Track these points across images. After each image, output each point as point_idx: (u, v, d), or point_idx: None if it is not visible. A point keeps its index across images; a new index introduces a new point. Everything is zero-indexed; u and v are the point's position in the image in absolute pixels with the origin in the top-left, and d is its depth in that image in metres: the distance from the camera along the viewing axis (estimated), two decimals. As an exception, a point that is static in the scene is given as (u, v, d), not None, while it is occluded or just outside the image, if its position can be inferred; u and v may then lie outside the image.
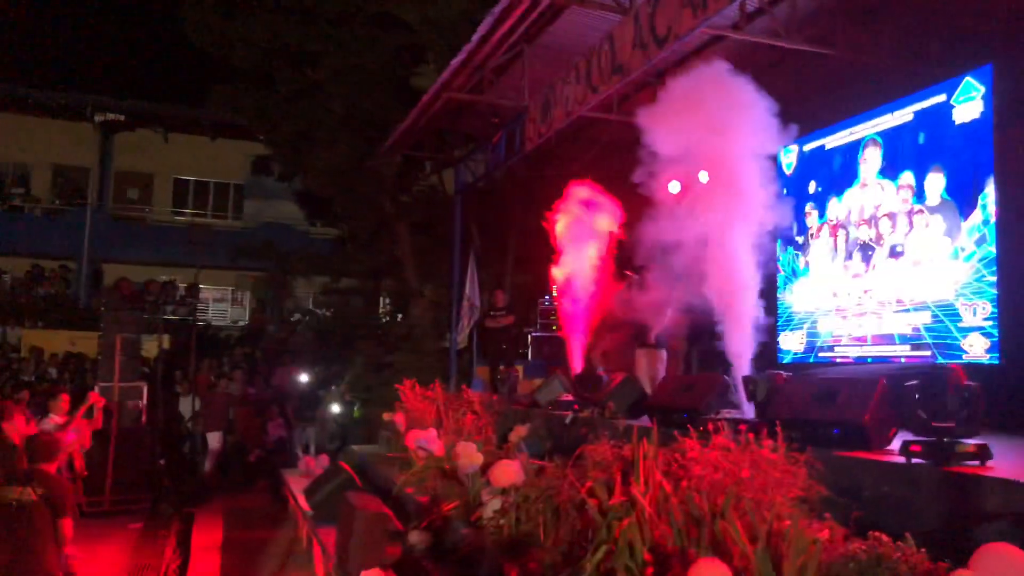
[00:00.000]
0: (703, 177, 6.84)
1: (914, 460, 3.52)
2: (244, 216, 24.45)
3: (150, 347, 13.99)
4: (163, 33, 20.50)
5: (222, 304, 23.82)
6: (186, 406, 13.80)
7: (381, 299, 19.20)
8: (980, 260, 5.99)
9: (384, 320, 18.26)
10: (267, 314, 22.73)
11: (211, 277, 22.15)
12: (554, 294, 11.34)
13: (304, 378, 15.14)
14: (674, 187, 8.11)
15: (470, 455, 5.27)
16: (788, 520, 2.79)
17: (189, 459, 13.26)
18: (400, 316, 17.25)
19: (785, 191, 8.03)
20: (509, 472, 4.51)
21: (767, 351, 7.74)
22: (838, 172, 7.60)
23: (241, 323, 23.04)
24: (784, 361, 8.03)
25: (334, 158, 14.07)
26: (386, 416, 8.12)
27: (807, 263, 7.99)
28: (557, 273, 9.35)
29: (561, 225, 9.25)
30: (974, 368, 5.66)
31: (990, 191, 5.95)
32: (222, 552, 7.77)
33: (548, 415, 7.06)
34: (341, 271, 17.58)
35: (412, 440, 6.35)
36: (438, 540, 4.88)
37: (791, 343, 8.09)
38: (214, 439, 12.76)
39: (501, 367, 10.55)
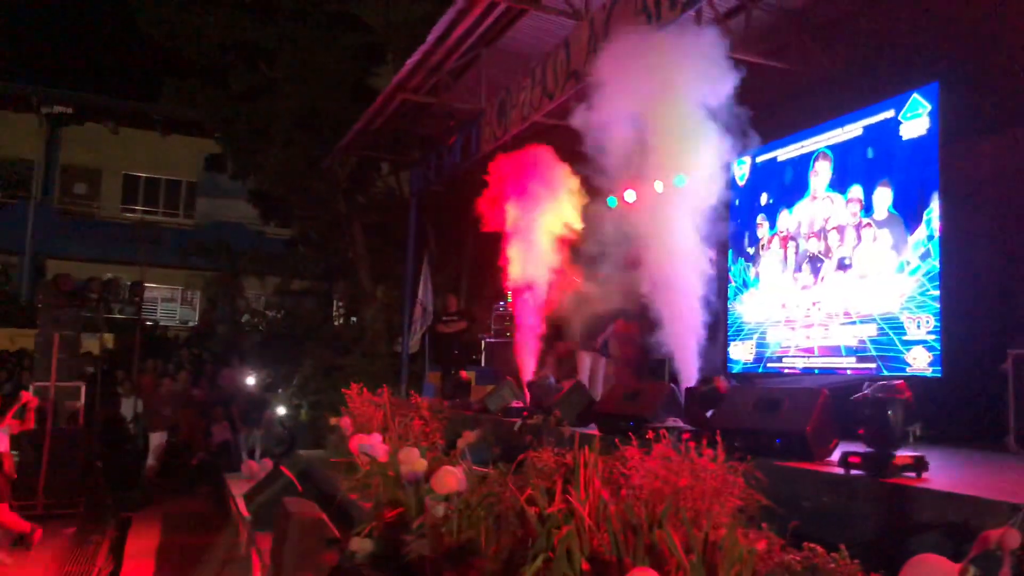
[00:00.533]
0: (658, 187, 6.85)
1: (852, 471, 3.53)
2: (196, 214, 23.98)
3: (92, 346, 13.59)
4: (115, 25, 19.98)
5: (171, 304, 23.33)
6: (128, 407, 13.44)
7: (334, 302, 18.97)
8: (925, 274, 6.08)
9: (337, 323, 18.05)
10: (218, 314, 22.30)
11: (161, 276, 21.66)
12: (508, 300, 11.22)
13: (251, 380, 14.83)
14: (630, 196, 8.13)
15: (412, 461, 5.16)
16: (725, 530, 2.76)
17: (130, 462, 12.89)
18: (353, 319, 17.06)
19: (737, 202, 8.09)
20: (450, 478, 4.42)
21: (718, 361, 7.79)
22: (789, 184, 7.67)
23: (191, 323, 22.57)
24: (734, 371, 8.07)
25: (288, 157, 13.87)
26: (332, 420, 7.98)
27: (757, 274, 8.04)
28: (512, 257, 8.77)
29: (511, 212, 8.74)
30: (917, 381, 5.74)
31: (935, 206, 6.05)
32: (156, 558, 7.54)
33: (497, 421, 6.99)
34: (293, 272, 17.36)
35: (356, 445, 6.23)
36: (378, 547, 4.77)
37: (741, 353, 8.14)
38: (156, 441, 12.44)
39: (453, 372, 10.44)
